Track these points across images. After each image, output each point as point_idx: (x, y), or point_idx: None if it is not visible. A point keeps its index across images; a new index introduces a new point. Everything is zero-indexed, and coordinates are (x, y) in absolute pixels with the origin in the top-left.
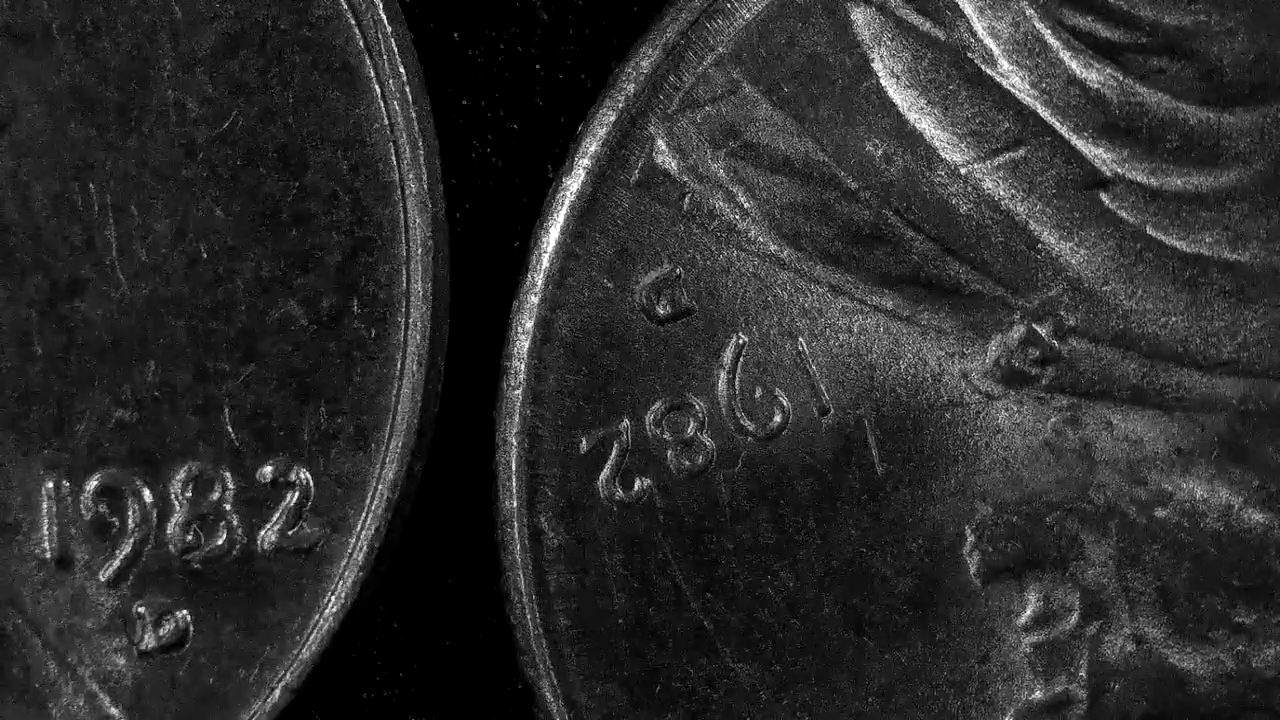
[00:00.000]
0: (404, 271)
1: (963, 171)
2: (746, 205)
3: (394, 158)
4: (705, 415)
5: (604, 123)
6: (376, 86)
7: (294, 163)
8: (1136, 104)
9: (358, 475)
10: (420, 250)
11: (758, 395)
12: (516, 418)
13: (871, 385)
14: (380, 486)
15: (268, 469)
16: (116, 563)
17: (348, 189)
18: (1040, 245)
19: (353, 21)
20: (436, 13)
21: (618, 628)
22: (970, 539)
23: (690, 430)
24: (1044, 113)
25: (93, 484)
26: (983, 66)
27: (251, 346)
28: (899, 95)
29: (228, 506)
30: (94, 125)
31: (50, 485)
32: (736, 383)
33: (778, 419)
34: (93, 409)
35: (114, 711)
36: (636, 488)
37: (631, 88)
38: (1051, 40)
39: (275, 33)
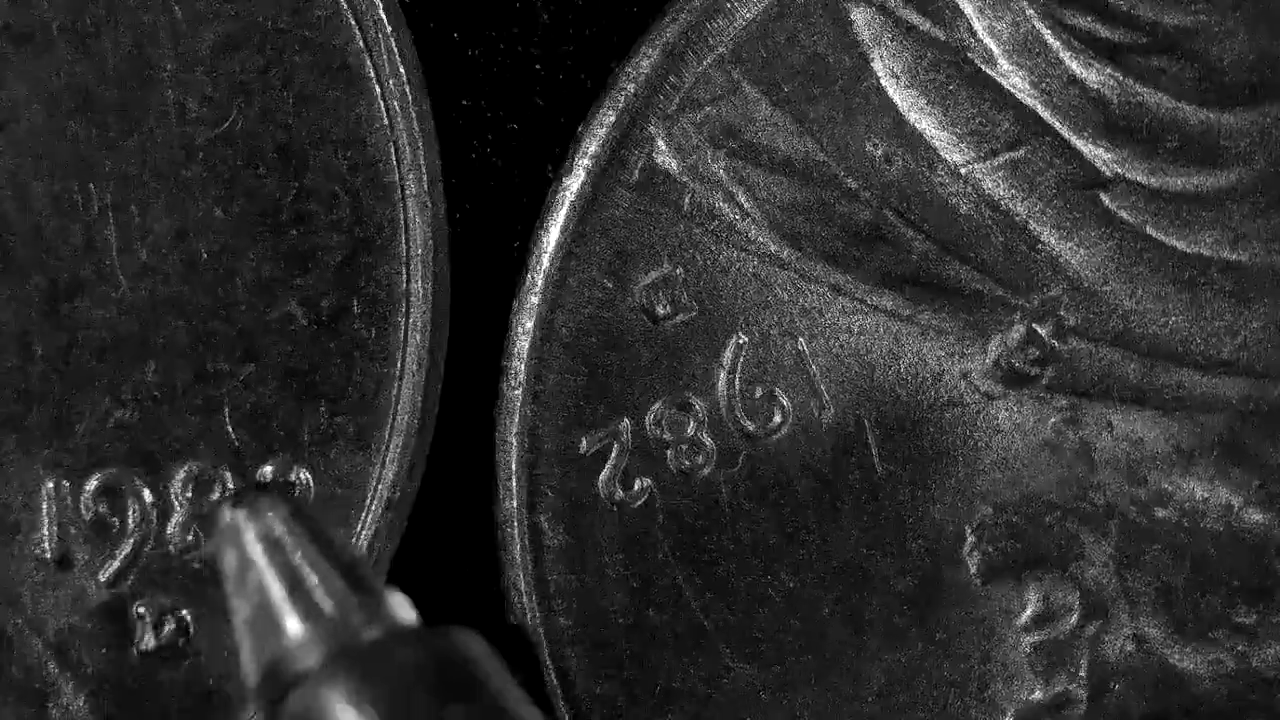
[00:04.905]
0: (404, 271)
1: (963, 171)
2: (746, 205)
3: (394, 158)
4: (705, 415)
5: (604, 123)
6: (376, 86)
7: (294, 163)
8: (1136, 104)
9: (358, 475)
10: (420, 250)
11: (758, 395)
12: (516, 418)
13: (871, 385)
14: (380, 486)
15: (268, 469)
16: (116, 563)
17: (348, 189)
18: (1040, 245)
19: (353, 21)
20: (436, 13)
21: (618, 628)
22: (970, 539)
23: (690, 430)
24: (1044, 113)
25: (93, 484)
26: (983, 66)
27: (251, 346)
28: (899, 95)
29: None
30: (94, 125)
31: (50, 485)
32: (736, 383)
33: (778, 419)
34: (93, 409)
35: (114, 711)
36: (636, 488)
37: (631, 88)
38: (1051, 40)
39: (275, 33)
